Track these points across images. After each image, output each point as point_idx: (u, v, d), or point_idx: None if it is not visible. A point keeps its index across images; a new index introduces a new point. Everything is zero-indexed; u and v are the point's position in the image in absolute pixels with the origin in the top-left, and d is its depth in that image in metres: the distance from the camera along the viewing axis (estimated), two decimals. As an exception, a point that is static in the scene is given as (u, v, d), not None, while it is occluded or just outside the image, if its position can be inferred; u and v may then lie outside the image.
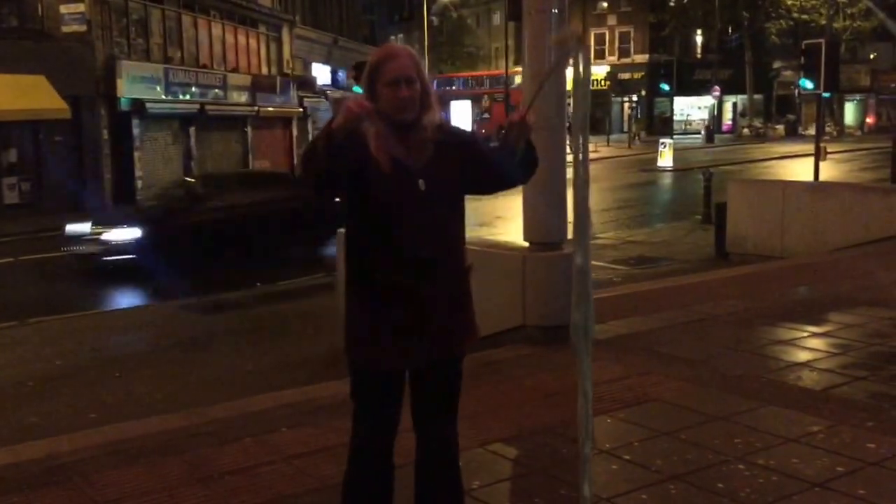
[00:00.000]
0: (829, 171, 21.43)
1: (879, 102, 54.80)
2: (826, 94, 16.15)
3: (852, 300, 7.47)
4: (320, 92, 35.83)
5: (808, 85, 16.09)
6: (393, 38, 61.56)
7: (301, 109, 33.52)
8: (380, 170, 2.74)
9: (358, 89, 21.93)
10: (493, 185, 3.00)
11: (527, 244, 6.31)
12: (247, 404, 5.25)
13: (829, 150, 20.78)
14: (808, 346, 6.10)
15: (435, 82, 37.88)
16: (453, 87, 47.45)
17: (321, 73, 37.57)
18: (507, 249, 6.52)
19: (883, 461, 3.99)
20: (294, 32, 34.97)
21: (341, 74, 38.77)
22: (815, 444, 4.21)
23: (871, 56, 52.86)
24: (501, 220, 15.50)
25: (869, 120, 55.26)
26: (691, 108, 55.97)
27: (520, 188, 6.18)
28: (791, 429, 4.43)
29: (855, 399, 4.91)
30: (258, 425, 4.73)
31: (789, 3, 47.56)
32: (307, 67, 36.52)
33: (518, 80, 29.78)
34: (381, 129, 2.75)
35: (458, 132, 2.98)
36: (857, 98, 55.82)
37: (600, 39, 57.04)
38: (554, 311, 5.86)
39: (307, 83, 34.89)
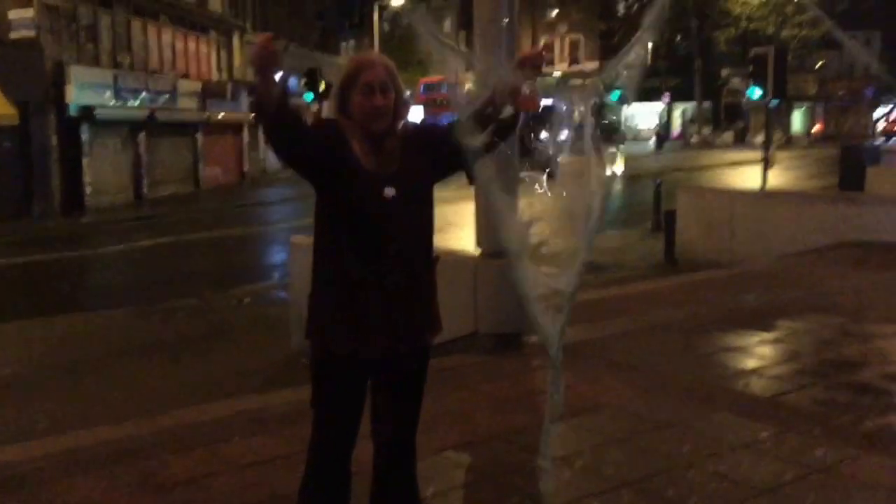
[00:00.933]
0: (776, 179, 21.83)
1: (827, 110, 56.07)
2: (774, 102, 16.47)
3: (800, 307, 7.60)
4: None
5: (756, 94, 16.39)
6: (344, 44, 61.33)
7: (252, 116, 33.26)
8: (354, 174, 2.78)
9: (310, 97, 21.72)
10: (464, 162, 2.92)
11: (479, 252, 6.32)
12: (199, 412, 5.19)
13: (777, 158, 21.18)
14: (757, 352, 6.20)
15: (422, 86, 37.78)
16: (443, 91, 45.88)
17: (280, 50, 37.32)
18: (460, 257, 6.52)
19: (830, 468, 4.06)
20: (245, 39, 34.70)
21: (293, 81, 38.57)
22: (763, 451, 4.27)
23: (819, 64, 54.08)
24: (453, 226, 15.51)
25: (816, 128, 56.52)
26: (641, 116, 56.69)
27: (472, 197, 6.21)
28: (740, 435, 4.49)
29: (803, 406, 4.99)
30: (211, 434, 4.67)
31: (738, 11, 48.48)
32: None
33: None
34: (357, 134, 2.80)
35: (419, 127, 3.03)
36: (805, 106, 57.04)
37: (550, 47, 57.51)
38: (506, 319, 5.89)
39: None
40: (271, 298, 11.17)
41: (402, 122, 2.89)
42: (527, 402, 4.96)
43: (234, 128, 32.73)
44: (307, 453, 2.98)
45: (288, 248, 14.29)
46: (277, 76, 2.66)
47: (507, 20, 5.71)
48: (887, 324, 6.89)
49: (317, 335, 2.89)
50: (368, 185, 2.78)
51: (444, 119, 3.23)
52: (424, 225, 2.93)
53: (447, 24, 63.26)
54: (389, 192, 2.79)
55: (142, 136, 26.31)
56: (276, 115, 2.66)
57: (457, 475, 4.13)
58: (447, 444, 4.39)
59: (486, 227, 6.09)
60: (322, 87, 25.62)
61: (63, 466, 4.24)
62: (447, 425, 4.68)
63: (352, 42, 69.78)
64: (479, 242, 6.25)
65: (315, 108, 25.33)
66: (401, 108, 2.87)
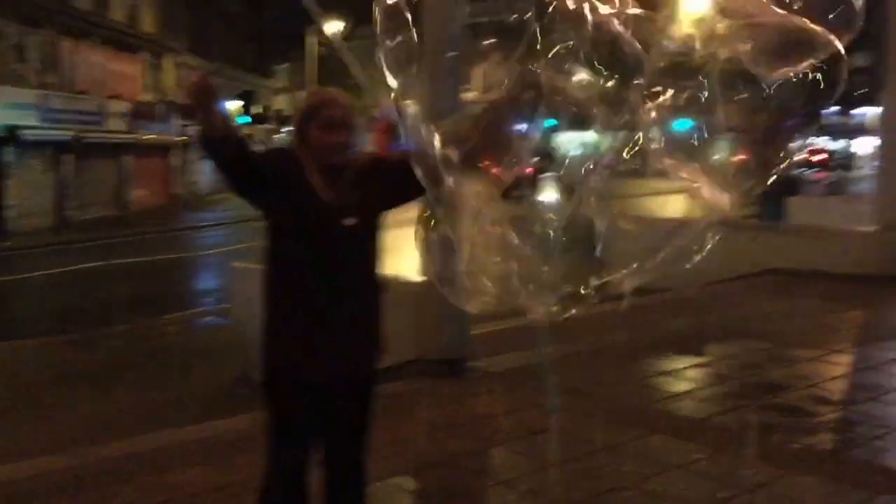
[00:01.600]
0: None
1: (749, 140, 57.84)
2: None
3: (728, 332, 7.90)
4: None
5: (685, 125, 16.89)
6: (278, 66, 61.14)
7: (183, 138, 32.89)
8: (312, 205, 2.91)
9: (243, 119, 21.67)
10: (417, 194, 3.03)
11: (421, 278, 6.42)
12: (140, 442, 5.16)
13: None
14: (689, 376, 6.43)
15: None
16: None
17: (216, 85, 36.99)
18: (403, 283, 6.62)
19: (761, 487, 4.26)
20: (177, 60, 34.36)
21: (225, 103, 38.25)
22: (699, 471, 4.46)
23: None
24: (390, 251, 15.62)
25: (738, 158, 58.15)
26: (573, 144, 57.72)
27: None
28: (677, 456, 4.68)
29: (733, 427, 5.21)
30: (152, 464, 4.66)
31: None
32: (190, 95, 35.87)
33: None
34: (314, 167, 2.93)
35: (374, 158, 3.16)
36: (730, 138, 58.73)
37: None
38: (449, 345, 6.00)
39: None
40: (205, 325, 11.08)
41: (357, 153, 3.04)
42: (470, 427, 5.08)
43: (164, 150, 32.30)
44: (262, 478, 3.06)
45: (221, 273, 14.26)
46: (221, 108, 2.79)
47: (453, 53, 5.85)
48: (809, 348, 7.21)
49: (270, 359, 3.00)
50: (325, 215, 2.92)
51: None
52: (375, 253, 3.07)
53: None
54: (348, 221, 2.94)
55: (68, 157, 25.77)
56: (223, 148, 2.78)
57: (403, 501, 4.21)
58: (392, 470, 4.46)
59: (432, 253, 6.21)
60: (259, 109, 25.53)
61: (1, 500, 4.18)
62: (392, 452, 4.75)
63: (286, 65, 69.52)
64: (423, 269, 6.35)
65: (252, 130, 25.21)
66: (356, 141, 3.02)
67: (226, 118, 2.86)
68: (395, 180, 2.99)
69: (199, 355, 8.96)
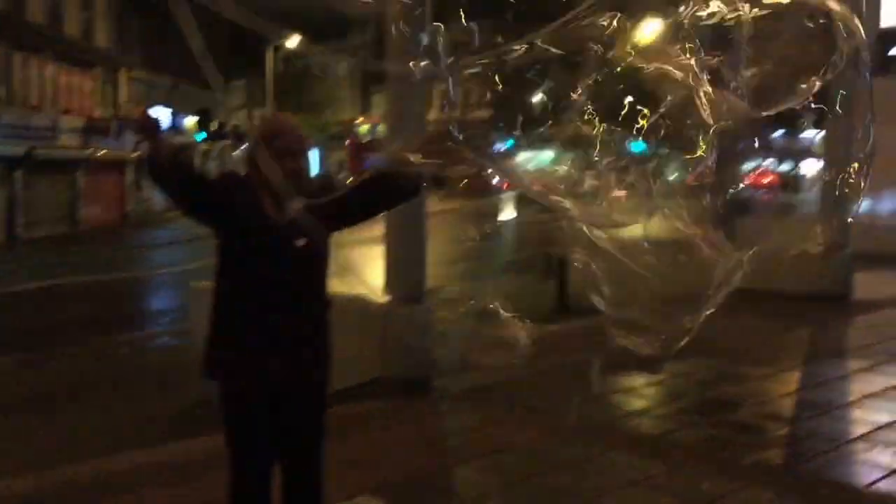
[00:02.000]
0: (655, 227, 22.86)
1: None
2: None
3: (682, 350, 8.09)
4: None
5: (639, 147, 17.24)
6: (234, 84, 60.74)
7: (138, 153, 32.53)
8: (265, 227, 3.07)
9: (201, 137, 21.54)
10: (363, 217, 3.35)
11: (386, 297, 6.53)
12: (98, 465, 5.15)
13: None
14: (646, 394, 6.62)
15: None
16: None
17: (160, 118, 36.65)
18: (368, 302, 6.72)
19: (715, 501, 4.44)
20: (132, 75, 34.08)
21: (181, 119, 38.00)
22: (656, 486, 4.63)
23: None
24: (351, 270, 15.65)
25: (690, 178, 59.15)
26: (532, 163, 58.19)
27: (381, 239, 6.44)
28: (635, 472, 4.84)
29: (688, 443, 5.39)
30: (116, 486, 4.67)
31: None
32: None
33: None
34: (260, 194, 3.08)
35: (325, 181, 3.43)
36: (688, 156, 59.69)
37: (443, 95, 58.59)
38: (414, 364, 6.10)
39: (144, 127, 33.97)
40: (161, 346, 11.02)
41: (308, 180, 3.21)
42: (435, 445, 5.19)
43: (118, 166, 31.95)
44: (227, 496, 3.17)
45: (177, 292, 14.16)
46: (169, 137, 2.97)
47: (418, 78, 5.99)
48: (760, 366, 7.44)
49: (224, 375, 3.16)
50: (277, 238, 3.08)
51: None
52: (324, 272, 3.26)
53: (343, 67, 63.60)
54: (300, 242, 3.10)
55: (18, 173, 25.39)
56: (171, 177, 2.98)
57: (369, 518, 4.30)
58: (357, 489, 4.55)
59: (396, 272, 6.33)
60: (214, 126, 25.42)
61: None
62: (357, 470, 4.84)
63: (243, 81, 68.94)
64: (387, 288, 6.47)
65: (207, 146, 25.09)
66: (307, 169, 3.20)
67: (175, 147, 3.04)
68: (345, 204, 3.19)
69: (156, 377, 8.90)
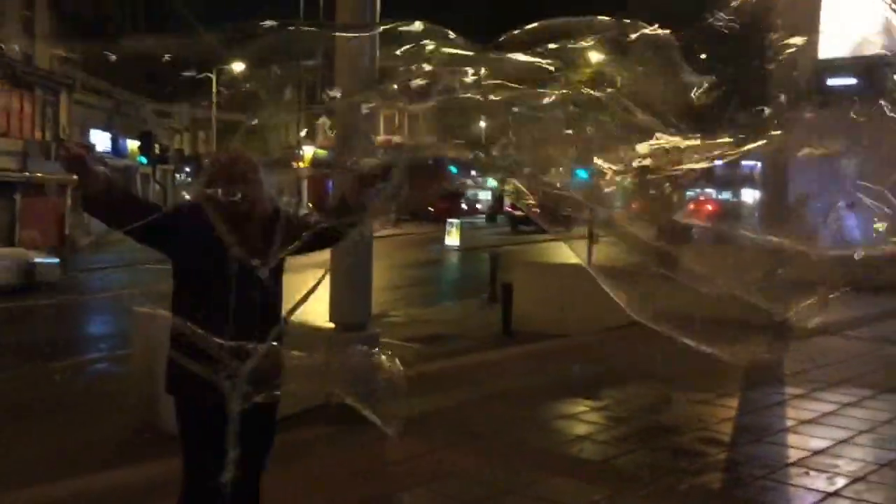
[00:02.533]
0: (600, 254, 23.18)
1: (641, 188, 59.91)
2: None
3: (625, 376, 8.26)
4: (99, 160, 34.49)
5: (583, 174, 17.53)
6: (178, 106, 60.28)
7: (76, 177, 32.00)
8: (217, 253, 3.23)
9: (144, 160, 21.33)
10: (318, 246, 3.58)
11: (331, 325, 6.55)
12: (38, 492, 5.09)
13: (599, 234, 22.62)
14: (589, 419, 6.72)
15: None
16: None
17: (101, 140, 36.20)
18: (312, 329, 6.73)
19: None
20: (73, 97, 33.61)
21: (123, 142, 37.52)
22: (597, 510, 4.71)
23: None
24: (295, 297, 15.58)
25: (634, 206, 60.12)
26: (476, 190, 58.62)
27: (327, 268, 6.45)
28: (577, 498, 4.92)
29: (630, 469, 5.50)
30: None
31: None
32: (85, 134, 35.09)
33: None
34: (211, 219, 3.25)
35: (283, 212, 3.50)
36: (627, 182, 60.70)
37: (389, 123, 58.87)
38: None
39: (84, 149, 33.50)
40: (101, 371, 10.85)
41: (262, 204, 3.39)
42: (381, 471, 5.21)
43: (57, 189, 31.38)
44: None
45: (117, 317, 13.94)
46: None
47: (366, 110, 6.06)
48: (700, 391, 7.61)
49: (182, 390, 3.33)
50: (230, 261, 3.23)
51: None
52: (278, 294, 3.44)
53: (288, 92, 63.33)
54: (252, 265, 3.25)
55: (-47, 196, 24.85)
56: (107, 207, 3.16)
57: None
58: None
59: (340, 300, 6.36)
60: (156, 149, 25.18)
61: None
62: (302, 496, 4.84)
63: (187, 104, 68.20)
64: (332, 315, 6.49)
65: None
66: (259, 195, 3.37)
67: (104, 181, 3.18)
68: (299, 232, 3.37)
69: (95, 403, 8.76)
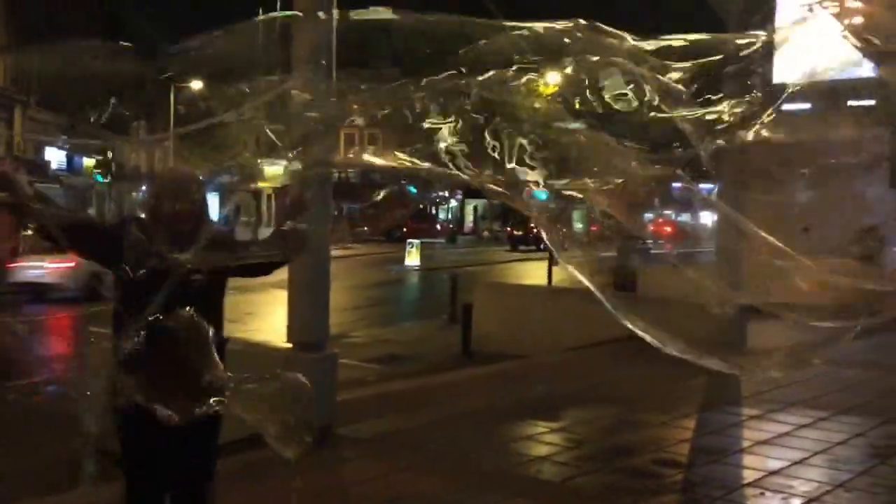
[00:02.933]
0: (561, 275, 23.31)
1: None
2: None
3: (584, 397, 8.31)
4: (54, 177, 33.99)
5: (542, 196, 17.68)
6: (134, 124, 59.73)
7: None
8: (156, 267, 3.31)
9: (100, 178, 21.11)
10: (259, 271, 3.71)
11: (288, 345, 6.51)
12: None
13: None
14: (548, 440, 6.75)
15: None
16: None
17: (56, 158, 35.73)
18: (268, 349, 6.70)
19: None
20: (27, 114, 33.16)
21: (78, 160, 37.05)
22: (556, 531, 4.73)
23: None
24: (252, 316, 15.48)
25: (594, 228, 60.59)
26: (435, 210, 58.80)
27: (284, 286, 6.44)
28: (535, 518, 4.93)
29: (588, 490, 5.54)
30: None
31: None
32: (40, 151, 34.61)
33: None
34: (155, 235, 3.38)
35: (226, 235, 3.69)
36: (583, 206, 61.28)
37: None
38: (318, 412, 6.07)
39: (39, 167, 33.00)
40: (52, 393, 10.62)
41: (206, 223, 3.50)
42: (339, 493, 5.18)
43: (8, 206, 30.82)
44: None
45: (64, 338, 13.70)
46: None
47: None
48: (658, 413, 7.68)
49: (124, 407, 3.38)
50: (167, 276, 3.32)
51: None
52: (219, 309, 3.56)
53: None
54: (190, 279, 3.34)
55: None
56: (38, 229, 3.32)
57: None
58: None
59: (298, 319, 6.33)
60: (113, 167, 24.93)
61: None
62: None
63: (142, 122, 67.43)
64: (289, 335, 6.45)
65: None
66: (205, 213, 3.49)
67: (29, 200, 3.28)
68: (242, 256, 3.56)
69: (45, 425, 8.58)
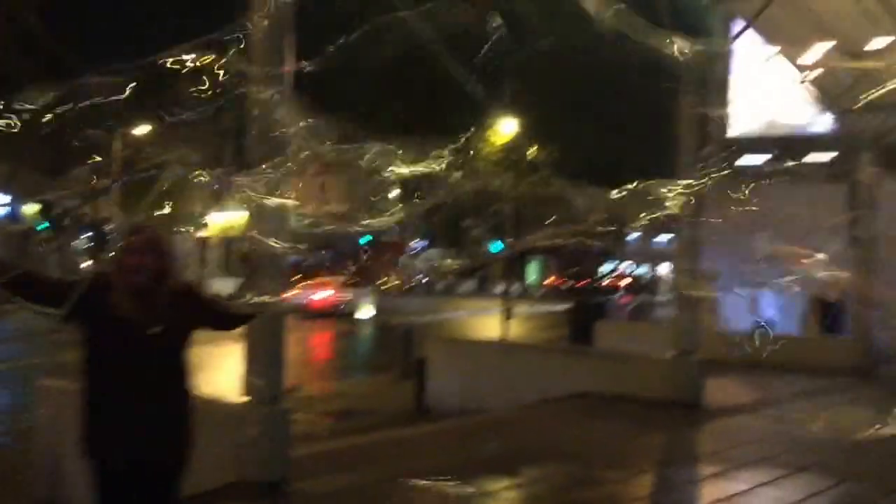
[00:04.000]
0: (514, 329, 23.49)
1: (563, 264, 61.01)
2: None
3: (538, 454, 8.38)
4: (-9, 223, 33.50)
5: (497, 247, 17.93)
6: (76, 170, 59.04)
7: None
8: (110, 318, 3.53)
9: (44, 225, 20.94)
10: (220, 328, 3.95)
11: (244, 398, 6.49)
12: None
13: (513, 309, 23.11)
14: (505, 497, 6.82)
15: None
16: None
17: (-4, 204, 35.24)
18: (224, 403, 6.69)
19: None
20: (-34, 156, 32.69)
21: (20, 207, 36.51)
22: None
23: (551, 220, 59.21)
24: (205, 370, 15.30)
25: (549, 280, 61.12)
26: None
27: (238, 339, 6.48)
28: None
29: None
30: None
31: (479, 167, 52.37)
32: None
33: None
34: (119, 289, 3.59)
35: (194, 291, 3.88)
36: (539, 258, 61.81)
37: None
38: (272, 467, 6.09)
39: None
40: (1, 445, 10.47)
41: (169, 278, 3.68)
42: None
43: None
44: None
45: (11, 390, 13.42)
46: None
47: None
48: (616, 469, 7.79)
49: (88, 450, 3.63)
50: (123, 327, 3.53)
51: None
52: (180, 360, 3.72)
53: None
54: (151, 331, 3.53)
55: None
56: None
57: None
58: None
59: (252, 371, 6.33)
60: (55, 215, 24.65)
61: None
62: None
63: (87, 166, 66.61)
64: (246, 388, 6.43)
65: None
66: (167, 267, 3.66)
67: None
68: (206, 315, 3.82)
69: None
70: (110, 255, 3.80)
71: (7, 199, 36.26)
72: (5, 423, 11.63)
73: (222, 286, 26.81)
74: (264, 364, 6.37)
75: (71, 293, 3.55)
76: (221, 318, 3.96)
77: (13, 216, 36.33)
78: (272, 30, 6.04)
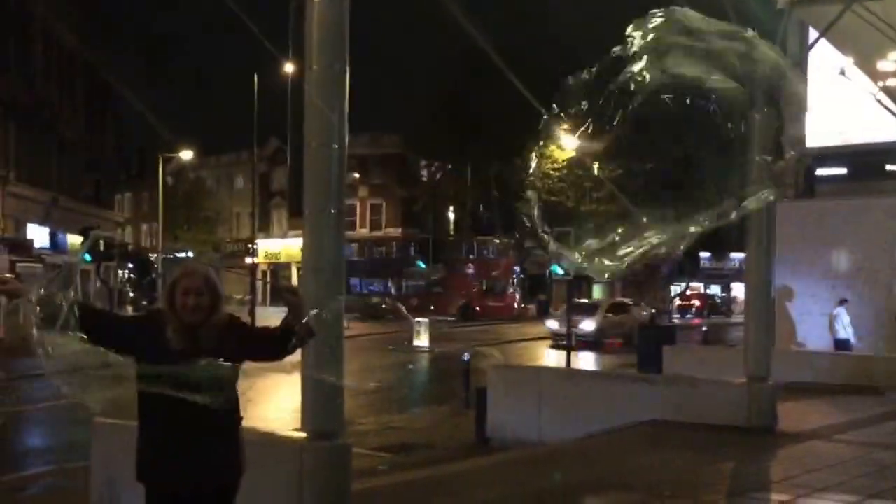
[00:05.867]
0: (578, 355, 23.64)
1: (626, 284, 60.80)
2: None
3: (604, 485, 8.65)
4: (37, 256, 34.66)
5: (559, 270, 18.20)
6: (119, 196, 60.71)
7: (10, 276, 32.03)
8: (164, 353, 4.08)
9: (88, 257, 21.71)
10: (267, 358, 4.47)
11: (301, 433, 6.81)
12: None
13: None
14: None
15: None
16: None
17: (38, 235, 36.49)
18: (282, 439, 7.03)
19: None
20: (7, 189, 34.01)
21: (62, 237, 37.78)
22: None
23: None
24: (252, 403, 15.78)
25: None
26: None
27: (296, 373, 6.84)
28: None
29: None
30: None
31: (538, 185, 52.66)
32: (21, 228, 35.40)
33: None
34: (175, 324, 4.14)
35: (239, 323, 4.41)
36: (605, 280, 61.60)
37: (351, 211, 60.03)
38: (332, 502, 6.41)
39: (21, 246, 33.70)
40: (49, 487, 10.99)
41: (218, 314, 4.21)
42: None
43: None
44: None
45: (61, 428, 14.03)
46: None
47: (333, 211, 6.56)
48: (681, 499, 8.02)
49: (145, 477, 4.18)
50: (177, 361, 4.06)
51: None
52: (229, 391, 4.23)
53: (239, 181, 64.61)
54: (202, 363, 4.09)
55: None
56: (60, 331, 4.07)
57: None
58: None
59: (313, 407, 6.63)
60: (101, 245, 25.50)
61: None
62: None
63: (128, 195, 68.66)
64: (304, 423, 6.70)
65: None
66: (218, 304, 4.19)
67: (75, 304, 4.08)
68: (253, 347, 4.37)
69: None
70: (163, 293, 4.36)
71: (48, 228, 37.41)
72: (53, 462, 12.15)
73: (270, 313, 27.39)
74: (324, 396, 6.64)
75: (130, 331, 4.23)
76: (267, 348, 4.41)
77: (55, 245, 37.50)
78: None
